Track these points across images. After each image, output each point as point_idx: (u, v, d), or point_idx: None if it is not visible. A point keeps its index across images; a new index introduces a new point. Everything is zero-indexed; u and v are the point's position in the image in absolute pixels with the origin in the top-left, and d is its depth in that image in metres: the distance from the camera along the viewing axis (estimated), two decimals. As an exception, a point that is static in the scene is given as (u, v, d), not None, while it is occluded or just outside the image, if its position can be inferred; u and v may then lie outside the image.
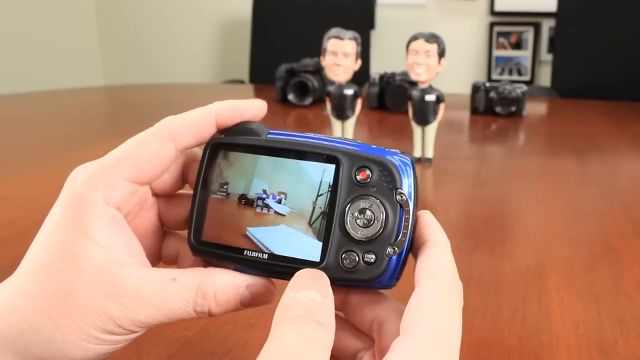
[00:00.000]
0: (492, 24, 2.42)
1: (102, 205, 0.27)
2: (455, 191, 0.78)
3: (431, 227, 0.28)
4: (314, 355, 0.22)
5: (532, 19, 2.39)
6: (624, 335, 0.42)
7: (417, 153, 0.89)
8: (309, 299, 0.24)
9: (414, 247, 0.28)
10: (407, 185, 0.27)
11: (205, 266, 0.29)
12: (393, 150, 0.28)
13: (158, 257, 0.33)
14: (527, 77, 2.43)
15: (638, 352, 0.41)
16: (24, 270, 0.27)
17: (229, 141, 0.29)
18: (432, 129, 0.87)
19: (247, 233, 0.28)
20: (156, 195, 0.31)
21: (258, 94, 1.75)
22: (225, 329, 0.43)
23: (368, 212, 0.27)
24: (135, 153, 0.28)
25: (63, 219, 0.27)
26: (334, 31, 0.84)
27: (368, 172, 0.27)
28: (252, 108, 0.30)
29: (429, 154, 0.88)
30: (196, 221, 0.29)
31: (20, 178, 0.83)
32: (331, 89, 0.88)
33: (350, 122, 0.89)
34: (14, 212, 0.69)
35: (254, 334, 0.42)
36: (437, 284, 0.25)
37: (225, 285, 0.28)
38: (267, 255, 0.27)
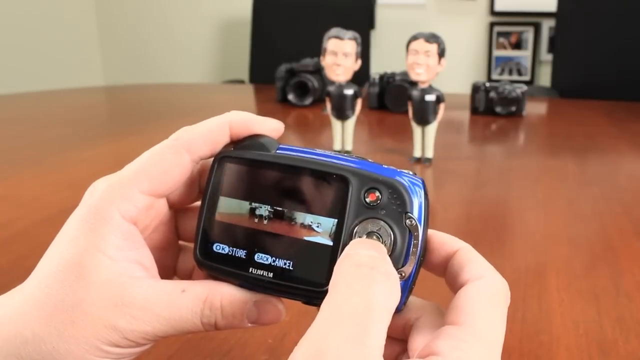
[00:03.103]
0: (492, 24, 2.42)
1: (118, 219, 0.27)
2: (455, 191, 0.78)
3: (447, 241, 0.28)
4: (376, 321, 0.21)
5: (532, 19, 2.39)
6: (624, 335, 0.42)
7: (417, 153, 0.89)
8: (371, 254, 0.24)
9: (440, 264, 0.28)
10: (417, 209, 0.26)
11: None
12: (404, 171, 0.27)
13: (173, 272, 0.33)
14: (527, 77, 2.43)
15: (638, 352, 0.41)
16: (34, 279, 0.27)
17: (238, 155, 0.29)
18: (432, 129, 0.87)
19: (253, 250, 0.28)
20: (173, 207, 0.31)
21: (258, 94, 1.75)
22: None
23: (375, 236, 0.26)
24: (152, 166, 0.28)
25: (77, 230, 0.27)
26: (334, 31, 0.84)
27: (377, 193, 0.26)
28: (267, 127, 0.30)
29: (429, 154, 0.88)
30: (202, 235, 0.29)
31: (20, 178, 0.83)
32: (331, 89, 0.88)
33: (350, 122, 0.89)
34: (14, 212, 0.69)
35: (254, 334, 0.42)
36: (484, 283, 0.25)
37: (233, 298, 0.27)
38: (272, 274, 0.27)
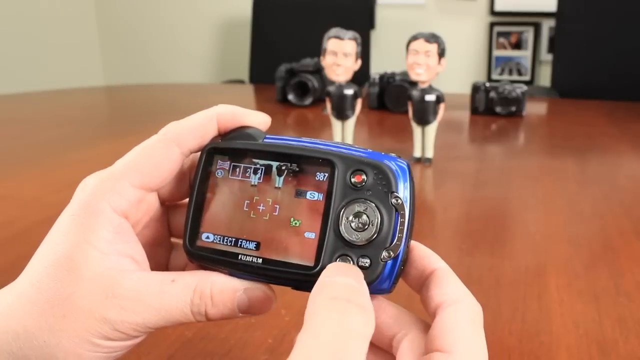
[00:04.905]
0: (492, 24, 2.42)
1: (109, 213, 0.27)
2: (455, 191, 0.78)
3: (428, 256, 0.28)
4: (353, 347, 0.22)
5: (532, 19, 2.39)
6: (624, 335, 0.42)
7: (417, 153, 0.89)
8: (348, 282, 0.24)
9: (417, 278, 0.28)
10: (402, 189, 0.27)
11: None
12: (390, 154, 0.28)
13: (166, 269, 0.33)
14: (527, 77, 2.43)
15: (638, 352, 0.41)
16: (26, 275, 0.27)
17: (225, 145, 0.29)
18: (432, 129, 0.87)
19: (242, 237, 0.28)
20: (164, 203, 0.31)
21: (258, 94, 1.75)
22: (225, 329, 0.43)
23: (363, 216, 0.26)
24: (142, 160, 0.28)
25: (69, 225, 0.27)
26: (334, 31, 0.84)
27: (363, 175, 0.27)
28: (254, 119, 0.30)
29: (429, 154, 0.88)
30: (191, 226, 0.29)
31: (20, 178, 0.83)
32: (331, 89, 0.88)
33: (350, 122, 0.89)
34: (14, 212, 0.69)
35: (254, 334, 0.42)
36: (462, 307, 0.25)
37: (223, 286, 0.28)
38: (261, 259, 0.27)
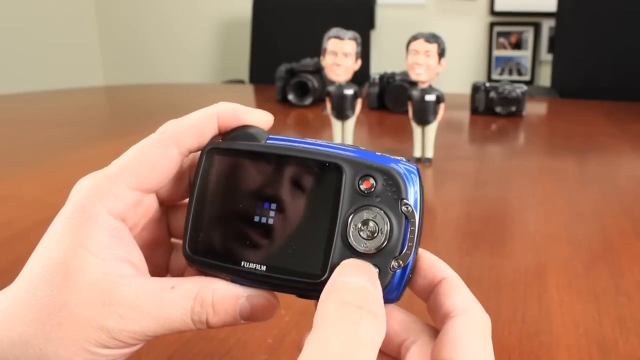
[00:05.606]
0: (492, 24, 2.42)
1: (105, 216, 0.26)
2: (455, 191, 0.78)
3: (436, 264, 0.27)
4: (363, 358, 0.21)
5: (532, 19, 2.39)
6: (624, 335, 0.42)
7: (417, 153, 0.89)
8: (361, 285, 0.23)
9: (425, 287, 0.27)
10: (412, 196, 0.26)
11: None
12: (398, 158, 0.27)
13: (166, 271, 0.32)
14: (527, 77, 2.43)
15: (638, 352, 0.41)
16: (21, 280, 0.26)
17: (226, 146, 0.28)
18: (432, 129, 0.87)
19: (245, 243, 0.27)
20: (164, 204, 0.30)
21: (258, 94, 1.75)
22: (225, 329, 0.43)
23: (371, 224, 0.25)
24: (138, 160, 0.27)
25: (64, 229, 0.26)
26: (334, 31, 0.84)
27: (372, 181, 0.26)
28: (256, 118, 0.29)
29: (429, 154, 0.88)
30: (192, 230, 0.28)
31: (20, 178, 0.83)
32: (331, 89, 0.88)
33: (350, 122, 0.89)
34: (14, 212, 0.69)
35: (254, 333, 0.42)
36: (472, 318, 0.25)
37: (225, 294, 0.27)
38: (265, 267, 0.26)
